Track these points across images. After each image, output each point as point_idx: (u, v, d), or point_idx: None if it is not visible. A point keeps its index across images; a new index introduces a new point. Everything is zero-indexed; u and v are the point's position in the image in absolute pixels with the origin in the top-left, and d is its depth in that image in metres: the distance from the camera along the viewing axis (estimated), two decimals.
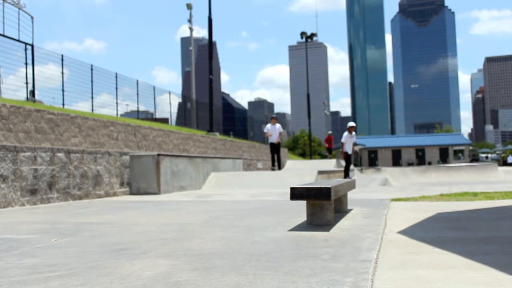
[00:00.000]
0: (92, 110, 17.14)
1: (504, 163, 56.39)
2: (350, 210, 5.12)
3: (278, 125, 15.19)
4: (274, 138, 14.95)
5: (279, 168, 15.13)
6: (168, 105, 25.07)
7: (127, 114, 24.27)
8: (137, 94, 20.94)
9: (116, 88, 18.79)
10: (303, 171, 13.23)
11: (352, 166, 23.96)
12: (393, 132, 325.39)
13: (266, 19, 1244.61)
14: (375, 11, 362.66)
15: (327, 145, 27.60)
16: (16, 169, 6.61)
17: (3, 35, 12.92)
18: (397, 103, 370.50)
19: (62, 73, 15.74)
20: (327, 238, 3.30)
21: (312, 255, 2.68)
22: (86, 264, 2.55)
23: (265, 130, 15.32)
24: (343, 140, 14.37)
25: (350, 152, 14.43)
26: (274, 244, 3.09)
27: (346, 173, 14.34)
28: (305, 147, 73.56)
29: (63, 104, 15.62)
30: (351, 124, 14.31)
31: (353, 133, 14.25)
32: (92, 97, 17.16)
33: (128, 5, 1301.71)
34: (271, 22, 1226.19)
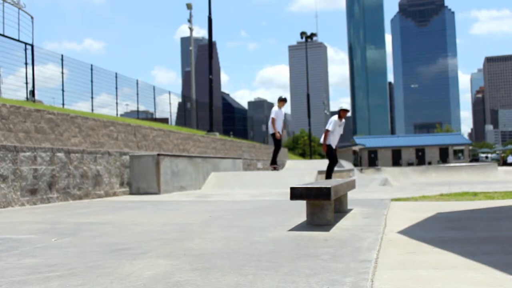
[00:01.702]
0: (92, 110, 17.14)
1: (504, 163, 56.39)
2: (350, 210, 5.12)
3: (283, 112, 12.25)
4: (279, 127, 11.87)
5: (273, 164, 12.49)
6: (168, 105, 25.09)
7: (127, 114, 24.28)
8: (137, 94, 20.95)
9: (116, 88, 18.81)
10: (303, 171, 13.23)
11: (351, 166, 23.78)
12: (393, 132, 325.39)
13: (265, 19, 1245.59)
14: (375, 11, 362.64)
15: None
16: (16, 169, 6.61)
17: (3, 35, 12.92)
18: (397, 103, 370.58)
19: (62, 73, 15.75)
20: (327, 238, 3.30)
21: (312, 255, 2.68)
22: (86, 264, 2.55)
23: (273, 115, 11.92)
24: (329, 127, 10.36)
25: (334, 145, 10.59)
26: (274, 244, 3.09)
27: (329, 174, 10.85)
28: (305, 147, 73.57)
29: (63, 104, 15.63)
30: (345, 106, 10.26)
31: (343, 120, 10.46)
32: (92, 97, 17.17)
33: (127, 5, 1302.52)
34: (270, 22, 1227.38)
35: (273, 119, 11.88)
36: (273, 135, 12.07)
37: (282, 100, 12.09)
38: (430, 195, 7.23)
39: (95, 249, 3.02)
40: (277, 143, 12.28)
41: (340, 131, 10.55)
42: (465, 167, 21.43)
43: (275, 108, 12.11)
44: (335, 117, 10.40)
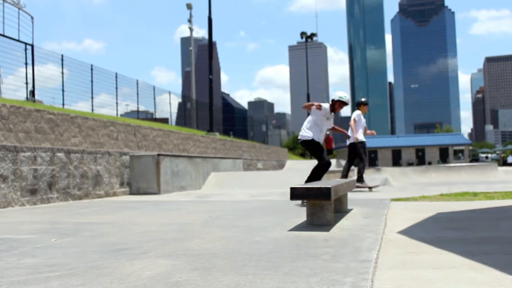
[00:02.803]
0: (92, 110, 17.14)
1: (504, 163, 56.34)
2: (350, 210, 5.12)
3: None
4: (360, 133, 9.62)
5: (360, 180, 9.64)
6: (168, 105, 25.08)
7: (127, 114, 24.27)
8: (137, 94, 20.94)
9: (116, 88, 18.80)
10: (303, 171, 13.21)
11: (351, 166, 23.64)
12: (393, 132, 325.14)
13: (264, 19, 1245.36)
14: (375, 11, 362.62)
15: (326, 145, 27.52)
16: (16, 169, 6.61)
17: (3, 35, 12.91)
18: (397, 103, 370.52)
19: (62, 73, 15.74)
20: (327, 238, 3.30)
21: (312, 255, 2.68)
22: (86, 264, 2.55)
23: (356, 118, 9.60)
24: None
25: (321, 140, 7.97)
26: (274, 244, 3.09)
27: (315, 177, 8.30)
28: None
29: (63, 104, 15.62)
30: (345, 99, 6.89)
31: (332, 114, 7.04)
32: (92, 97, 17.16)
33: (127, 5, 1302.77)
34: (269, 22, 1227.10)
35: (354, 121, 9.55)
36: (352, 145, 9.69)
37: (366, 104, 9.87)
38: (430, 195, 7.23)
39: (95, 249, 3.02)
40: (358, 153, 9.63)
41: (329, 124, 6.98)
42: (465, 167, 21.40)
43: (357, 112, 9.75)
44: (327, 105, 6.77)
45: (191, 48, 31.43)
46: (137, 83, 20.95)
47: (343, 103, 6.95)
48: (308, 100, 42.99)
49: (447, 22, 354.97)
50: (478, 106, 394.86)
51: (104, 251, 2.95)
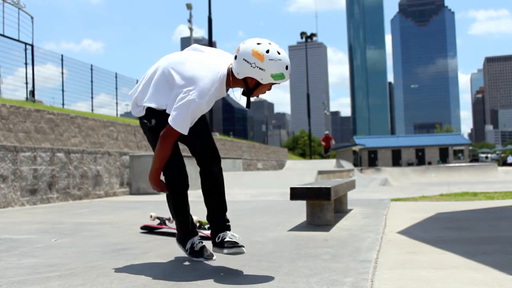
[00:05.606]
0: (92, 110, 17.13)
1: (504, 163, 56.31)
2: (350, 210, 5.12)
3: None
4: None
5: None
6: None
7: (127, 114, 24.24)
8: None
9: (116, 88, 18.77)
10: (303, 171, 13.22)
11: (351, 166, 23.72)
12: (393, 132, 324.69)
13: (263, 19, 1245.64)
14: (375, 11, 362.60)
15: (324, 144, 27.47)
16: (16, 169, 6.61)
17: (3, 35, 12.91)
18: (397, 103, 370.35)
19: (62, 73, 15.74)
20: (327, 238, 3.30)
21: (312, 255, 2.68)
22: (86, 264, 2.55)
23: None
24: None
25: None
26: (274, 244, 3.09)
27: None
28: (305, 147, 73.66)
29: (63, 104, 15.61)
30: None
31: None
32: (92, 97, 17.15)
33: (126, 5, 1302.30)
34: (267, 22, 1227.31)
35: None
36: None
37: None
38: (430, 195, 7.24)
39: (95, 249, 3.02)
40: None
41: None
42: (465, 167, 21.42)
43: None
44: (224, 68, 2.54)
45: None
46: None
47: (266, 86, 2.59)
48: (308, 100, 42.34)
49: (447, 22, 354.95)
50: (478, 106, 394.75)
51: (104, 251, 2.95)
